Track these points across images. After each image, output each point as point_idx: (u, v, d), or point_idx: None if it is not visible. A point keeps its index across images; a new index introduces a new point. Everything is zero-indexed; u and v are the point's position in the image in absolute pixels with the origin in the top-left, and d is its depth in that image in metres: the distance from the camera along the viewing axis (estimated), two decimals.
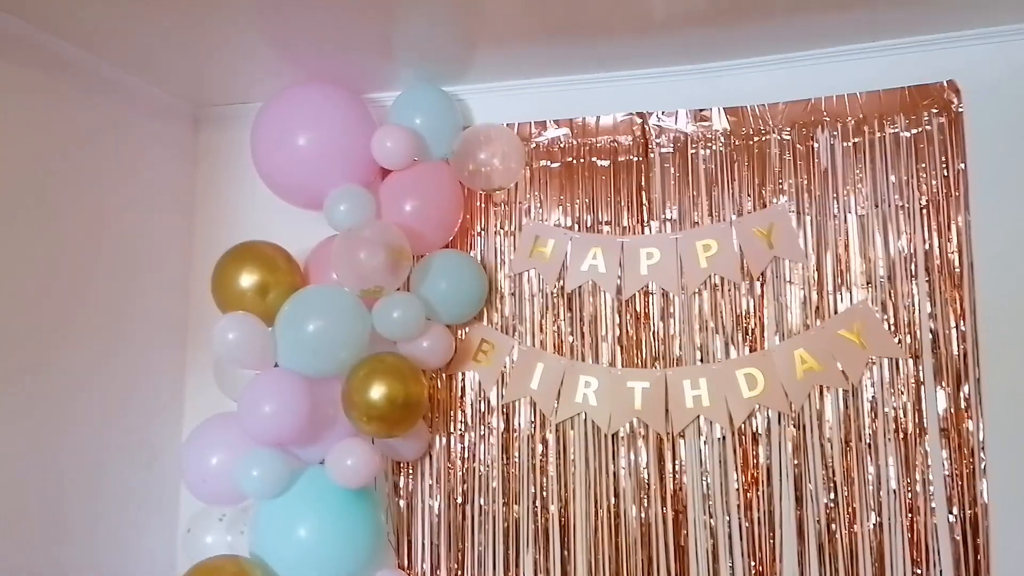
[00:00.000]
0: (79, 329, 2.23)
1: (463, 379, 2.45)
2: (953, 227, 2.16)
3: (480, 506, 2.38)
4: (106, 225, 2.34)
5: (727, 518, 2.21)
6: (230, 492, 2.17)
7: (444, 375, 2.45)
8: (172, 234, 2.62)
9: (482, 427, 2.42)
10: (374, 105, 2.47)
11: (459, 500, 2.40)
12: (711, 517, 2.23)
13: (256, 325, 2.11)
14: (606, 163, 2.43)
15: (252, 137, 2.33)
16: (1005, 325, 2.09)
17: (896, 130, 2.23)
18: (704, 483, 2.24)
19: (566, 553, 2.30)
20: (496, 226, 2.50)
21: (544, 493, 2.34)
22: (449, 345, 2.34)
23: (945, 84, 2.20)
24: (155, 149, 2.56)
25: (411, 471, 2.44)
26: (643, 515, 2.27)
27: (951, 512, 2.08)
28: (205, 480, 2.20)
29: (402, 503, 2.43)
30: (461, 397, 2.45)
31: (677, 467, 2.27)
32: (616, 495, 2.29)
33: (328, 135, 2.26)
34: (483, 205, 2.51)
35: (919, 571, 2.08)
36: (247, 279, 2.19)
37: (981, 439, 2.07)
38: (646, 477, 2.28)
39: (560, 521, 2.32)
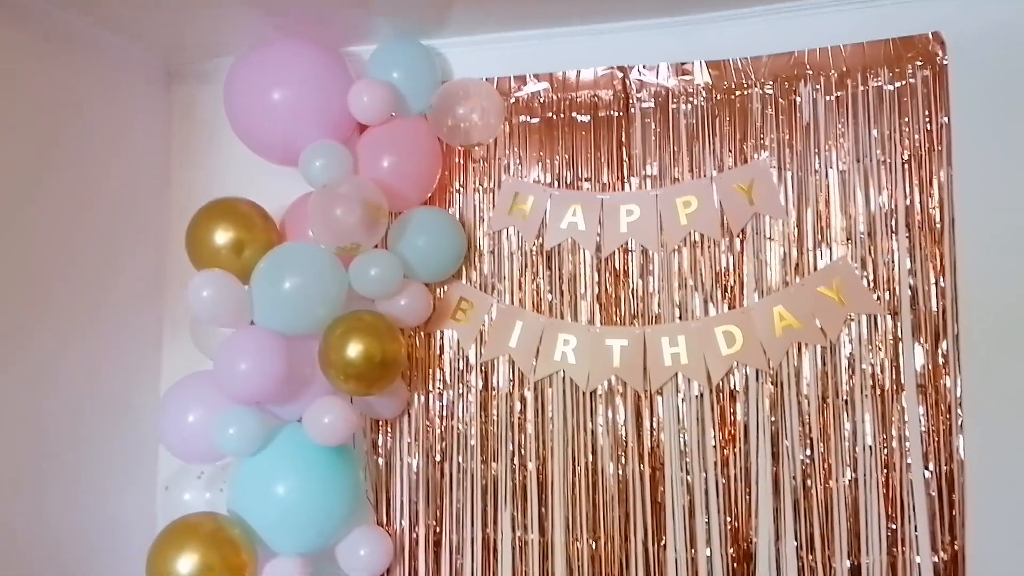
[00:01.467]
0: (55, 290, 2.21)
1: (442, 337, 2.44)
2: (935, 182, 2.13)
3: (459, 464, 2.38)
4: (80, 184, 2.30)
5: (704, 475, 2.22)
6: (207, 450, 2.16)
7: (422, 333, 2.44)
8: (148, 192, 2.58)
9: (460, 385, 2.41)
10: (351, 59, 2.42)
11: (438, 458, 2.40)
12: (688, 474, 2.23)
13: (231, 282, 2.08)
14: (586, 118, 2.39)
15: (226, 93, 2.29)
16: (985, 281, 2.08)
17: (880, 83, 2.19)
18: (681, 440, 2.24)
19: (544, 510, 2.31)
20: (475, 183, 2.46)
21: (522, 451, 2.34)
22: (427, 303, 2.33)
23: (930, 36, 2.15)
24: (128, 106, 2.51)
25: (389, 429, 2.44)
26: (620, 472, 2.27)
27: (927, 468, 2.08)
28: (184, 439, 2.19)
29: (381, 461, 2.43)
30: (440, 355, 2.44)
31: (655, 424, 2.26)
32: (594, 452, 2.29)
33: (303, 90, 2.22)
34: (462, 161, 2.48)
35: (894, 526, 2.09)
36: (222, 236, 2.16)
37: (958, 395, 2.07)
38: (624, 434, 2.28)
39: (538, 478, 2.32)
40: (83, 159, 2.32)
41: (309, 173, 2.18)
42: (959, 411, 2.06)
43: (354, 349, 2.07)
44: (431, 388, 2.43)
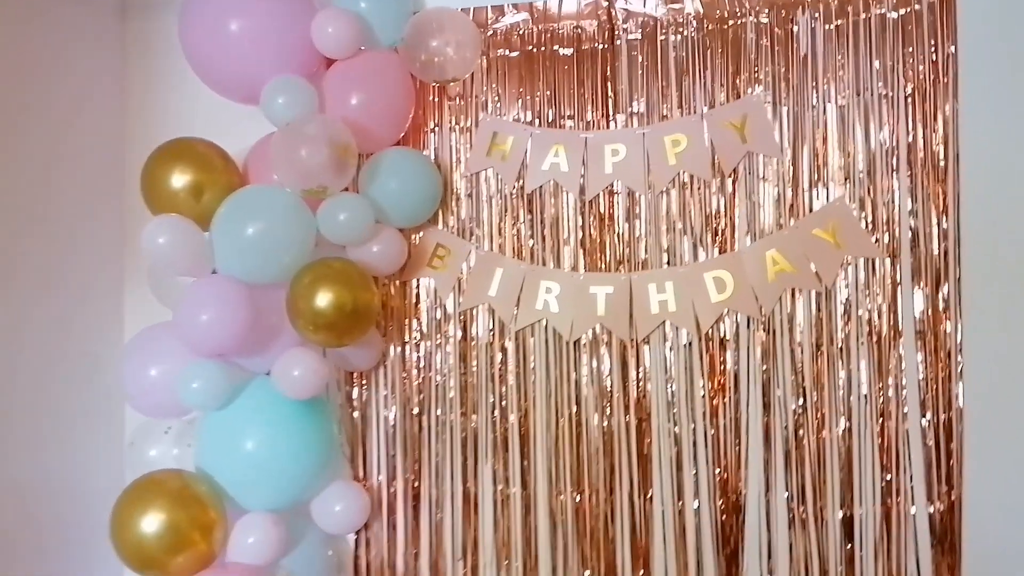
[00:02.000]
0: (7, 240, 2.08)
1: (418, 286, 2.33)
2: (940, 117, 2.00)
3: (437, 416, 2.29)
4: (31, 128, 2.15)
5: (692, 426, 2.13)
6: (172, 405, 2.06)
7: (398, 282, 2.32)
8: (102, 134, 2.42)
9: (438, 335, 2.30)
10: None
11: (415, 410, 2.30)
12: (675, 425, 2.14)
13: (189, 228, 1.95)
14: (569, 52, 2.24)
15: (180, 24, 2.12)
16: (990, 222, 1.96)
17: (883, 10, 2.04)
18: (669, 391, 2.15)
19: (526, 463, 2.22)
20: (451, 122, 2.32)
21: (503, 402, 2.25)
22: (401, 249, 2.21)
23: None
24: (78, 42, 2.34)
25: (364, 381, 2.34)
26: (605, 424, 2.18)
27: (924, 416, 2.00)
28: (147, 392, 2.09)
29: (356, 414, 2.34)
30: (416, 305, 2.32)
31: (641, 375, 2.17)
32: (577, 404, 2.20)
33: (263, 20, 2.05)
34: (437, 99, 2.33)
35: (889, 477, 2.01)
36: (179, 179, 2.02)
37: (959, 341, 1.97)
38: (609, 385, 2.18)
39: (520, 431, 2.23)
40: (31, 100, 2.16)
41: (271, 111, 2.04)
42: (959, 357, 1.97)
43: (323, 298, 1.95)
44: (408, 338, 2.32)
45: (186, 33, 2.11)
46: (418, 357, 2.31)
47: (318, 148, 1.92)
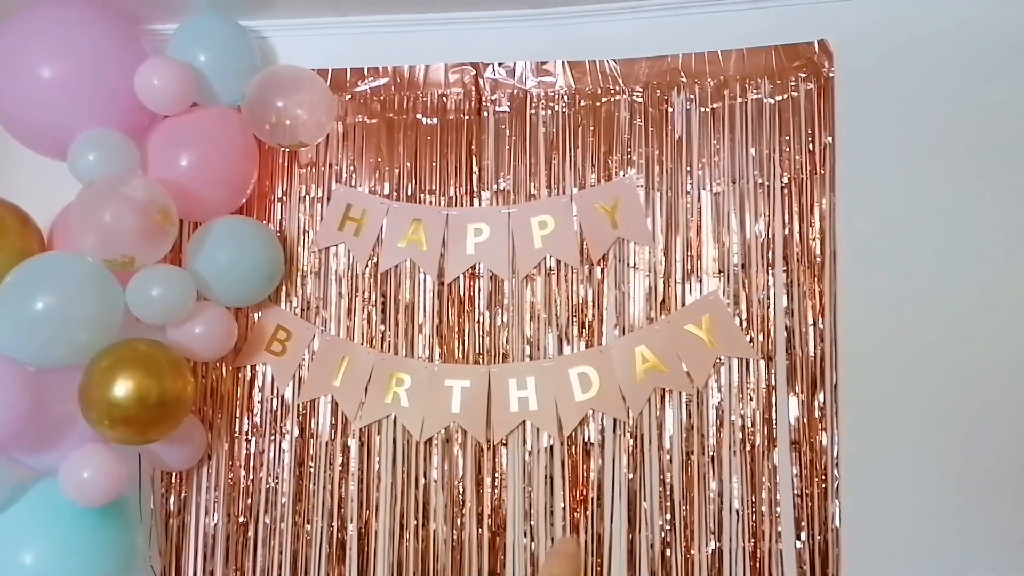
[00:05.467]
0: None
1: (253, 372, 2.05)
2: (816, 210, 1.88)
3: (266, 524, 1.99)
4: None
5: (550, 541, 1.89)
6: None
7: (230, 367, 2.05)
8: None
9: (273, 430, 2.02)
10: (156, 37, 2.03)
11: (241, 518, 2.00)
12: (532, 540, 1.90)
13: None
14: (432, 121, 2.06)
15: None
16: (868, 325, 1.84)
17: (759, 95, 1.93)
18: (526, 500, 1.91)
19: None
20: (301, 191, 2.10)
21: (342, 510, 1.97)
22: (229, 331, 1.94)
23: (816, 45, 1.91)
24: None
25: (183, 483, 2.03)
26: (455, 536, 1.92)
27: (799, 538, 1.81)
28: None
29: (171, 521, 2.02)
30: (250, 394, 2.05)
31: (497, 481, 1.93)
32: (425, 513, 1.94)
33: (80, 65, 1.82)
34: (287, 164, 2.10)
35: None
36: None
37: (835, 454, 1.81)
38: (460, 492, 1.94)
39: (359, 543, 1.95)
40: None
41: (79, 168, 1.78)
42: (836, 472, 1.81)
43: (122, 387, 1.66)
44: (237, 433, 2.03)
45: None
46: (247, 455, 2.02)
47: (123, 212, 1.67)
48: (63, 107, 1.82)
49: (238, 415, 2.04)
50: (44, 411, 1.70)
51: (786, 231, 1.89)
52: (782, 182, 1.90)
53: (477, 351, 1.98)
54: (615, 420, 1.90)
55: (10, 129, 1.90)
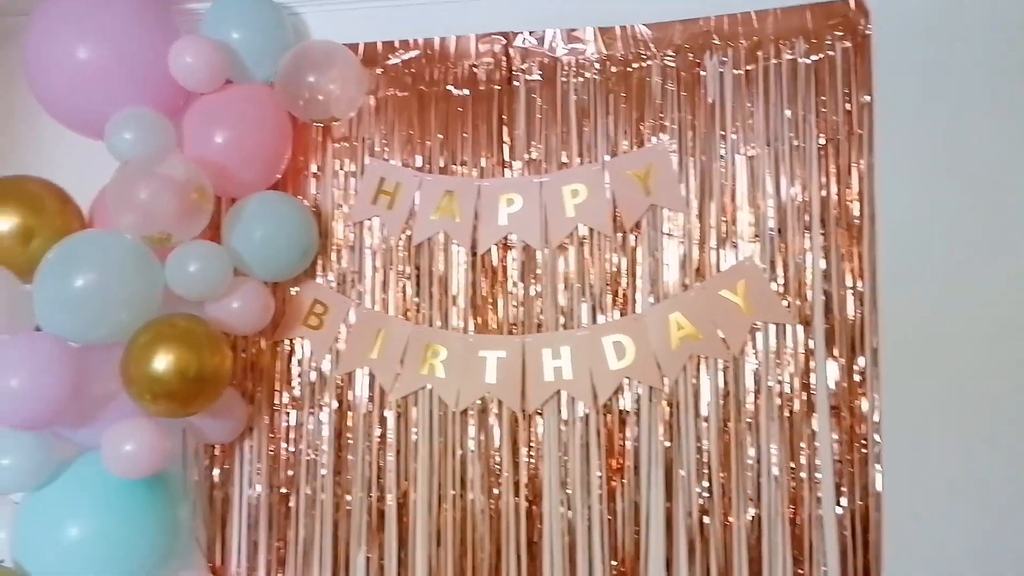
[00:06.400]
0: None
1: (291, 347, 2.08)
2: (854, 171, 1.84)
3: (307, 495, 2.03)
4: None
5: (587, 510, 1.89)
6: None
7: (269, 342, 2.08)
8: None
9: (311, 403, 2.05)
10: (189, 16, 2.05)
11: (282, 489, 2.04)
12: (569, 509, 1.90)
13: (4, 279, 1.70)
14: (463, 92, 2.06)
15: (27, 50, 1.90)
16: (908, 287, 1.79)
17: (794, 56, 1.89)
18: (562, 469, 1.92)
19: (403, 554, 1.96)
20: (334, 166, 2.11)
21: (381, 480, 1.99)
22: (266, 305, 1.96)
23: (852, 2, 1.86)
24: None
25: (225, 455, 2.07)
26: (492, 506, 1.94)
27: (839, 503, 1.79)
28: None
29: (215, 493, 2.06)
30: (288, 367, 2.08)
31: (533, 451, 1.94)
32: (463, 483, 1.96)
33: (115, 47, 1.85)
34: (320, 139, 2.12)
35: (801, 571, 1.79)
36: (4, 222, 1.77)
37: (876, 419, 1.78)
38: (497, 462, 1.95)
39: (398, 513, 1.98)
40: None
41: (116, 147, 1.82)
42: (876, 437, 1.78)
43: (162, 361, 1.69)
44: (277, 405, 2.07)
45: (32, 60, 1.89)
46: (288, 427, 2.06)
47: (161, 189, 1.69)
48: (99, 87, 1.86)
49: (278, 388, 2.07)
50: (87, 387, 1.74)
51: (823, 193, 1.85)
52: (819, 144, 1.86)
53: (511, 321, 1.98)
54: (651, 388, 1.89)
55: (51, 111, 1.94)
